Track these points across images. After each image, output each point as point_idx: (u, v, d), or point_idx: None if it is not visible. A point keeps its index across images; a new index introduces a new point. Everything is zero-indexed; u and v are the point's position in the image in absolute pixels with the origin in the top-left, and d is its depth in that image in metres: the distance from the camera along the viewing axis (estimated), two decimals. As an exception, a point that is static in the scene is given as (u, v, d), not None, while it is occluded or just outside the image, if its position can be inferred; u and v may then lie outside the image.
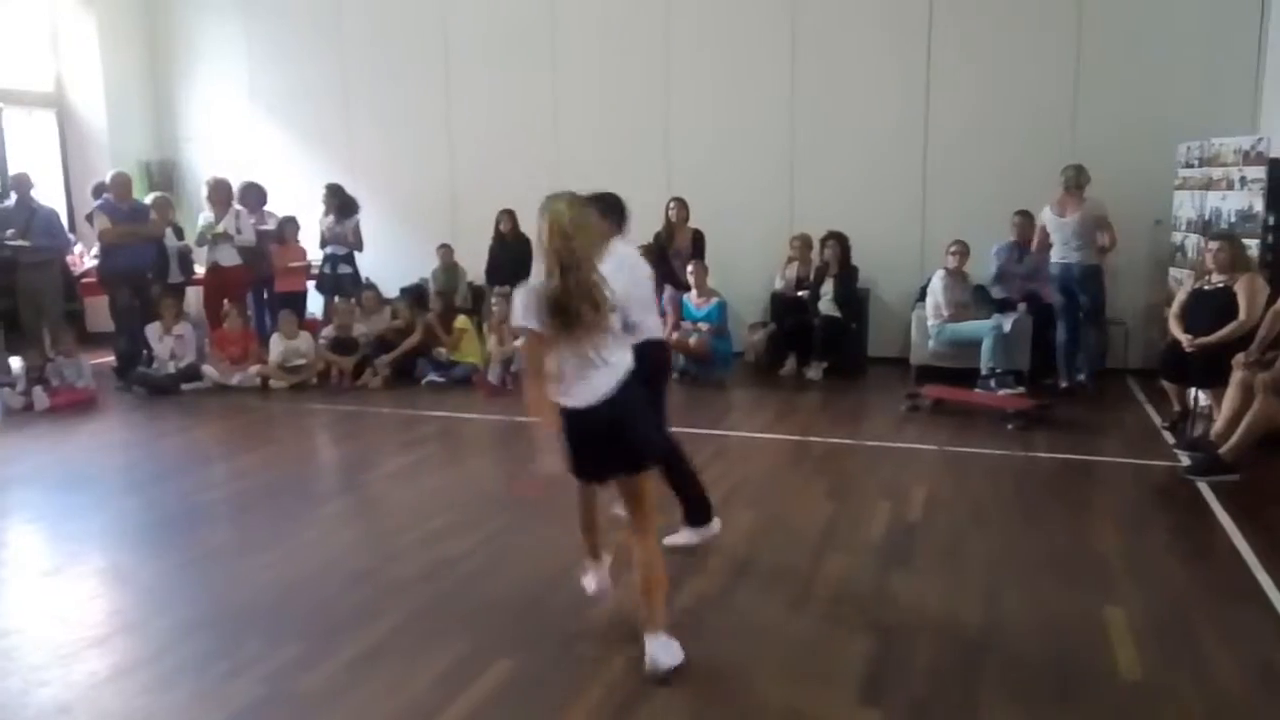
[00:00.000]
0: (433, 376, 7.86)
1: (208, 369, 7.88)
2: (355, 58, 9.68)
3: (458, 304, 8.60)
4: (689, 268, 7.90)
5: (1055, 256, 7.02)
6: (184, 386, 7.74)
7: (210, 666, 3.21)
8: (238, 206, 8.51)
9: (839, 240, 7.86)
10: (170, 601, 3.80)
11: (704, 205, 8.13)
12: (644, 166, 8.74)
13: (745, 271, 8.37)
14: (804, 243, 8.17)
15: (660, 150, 8.78)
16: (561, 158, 9.01)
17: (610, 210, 3.65)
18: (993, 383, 6.91)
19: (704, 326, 7.77)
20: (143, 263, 8.03)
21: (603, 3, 8.88)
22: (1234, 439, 4.96)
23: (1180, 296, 5.99)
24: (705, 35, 8.59)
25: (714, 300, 7.82)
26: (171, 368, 7.80)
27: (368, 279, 8.96)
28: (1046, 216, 7.03)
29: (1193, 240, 6.86)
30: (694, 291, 7.88)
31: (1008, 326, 7.05)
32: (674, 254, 8.15)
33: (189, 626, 3.52)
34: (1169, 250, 7.28)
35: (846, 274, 7.89)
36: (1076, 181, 6.87)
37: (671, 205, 8.16)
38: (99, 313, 9.05)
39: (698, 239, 8.12)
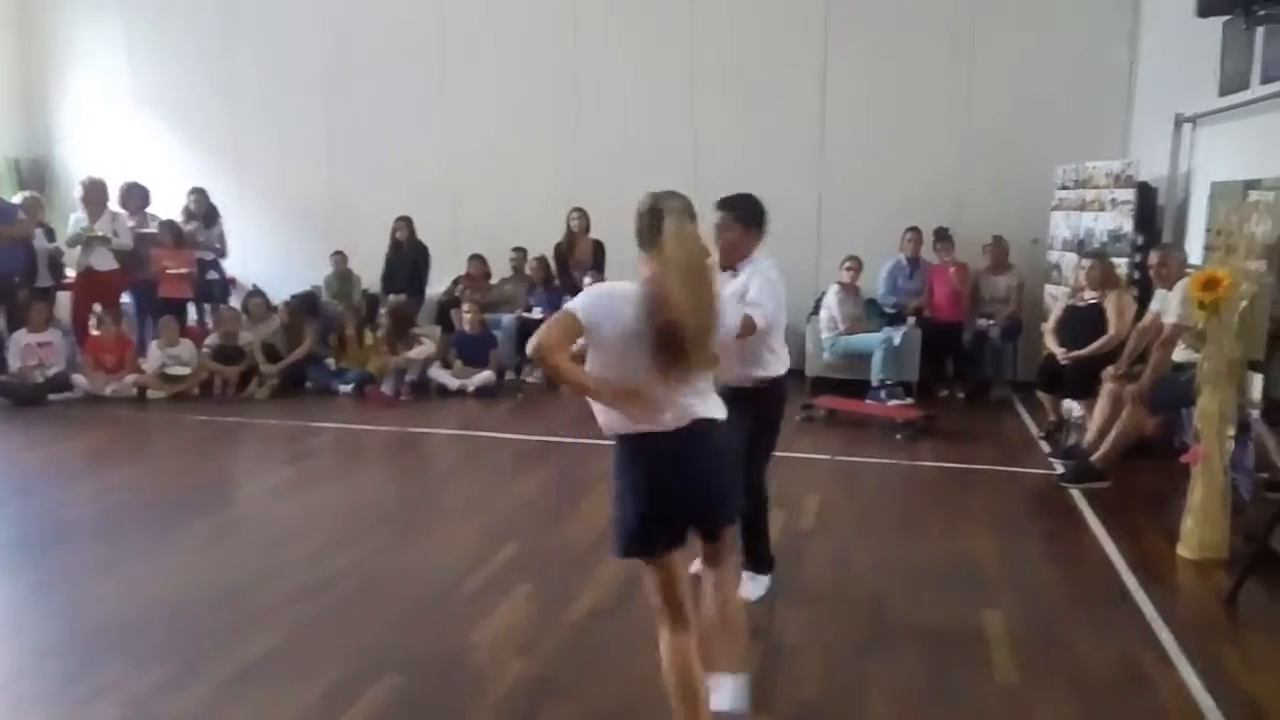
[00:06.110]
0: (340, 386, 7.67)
1: (78, 378, 7.45)
2: (243, 58, 9.33)
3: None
4: (588, 279, 7.87)
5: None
6: (52, 397, 7.30)
7: (65, 691, 3.00)
8: (115, 208, 8.11)
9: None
10: (23, 624, 3.55)
11: (605, 216, 8.12)
12: (546, 176, 8.67)
13: (645, 283, 8.35)
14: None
15: (562, 160, 8.72)
16: (457, 165, 8.87)
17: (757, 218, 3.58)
18: (883, 394, 7.09)
19: (603, 337, 7.75)
20: (9, 265, 7.58)
21: (496, 2, 8.77)
22: (1104, 448, 5.18)
23: (1056, 312, 6.27)
24: (609, 43, 8.58)
25: (613, 311, 7.81)
26: (39, 376, 7.35)
27: (254, 285, 8.63)
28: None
29: (1068, 259, 7.18)
30: (593, 302, 7.85)
31: (897, 340, 7.25)
32: (574, 265, 8.12)
33: (44, 650, 3.29)
34: (1046, 268, 7.61)
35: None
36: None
37: (573, 215, 8.14)
38: (-41, 318, 8.46)
39: (598, 250, 8.11)
